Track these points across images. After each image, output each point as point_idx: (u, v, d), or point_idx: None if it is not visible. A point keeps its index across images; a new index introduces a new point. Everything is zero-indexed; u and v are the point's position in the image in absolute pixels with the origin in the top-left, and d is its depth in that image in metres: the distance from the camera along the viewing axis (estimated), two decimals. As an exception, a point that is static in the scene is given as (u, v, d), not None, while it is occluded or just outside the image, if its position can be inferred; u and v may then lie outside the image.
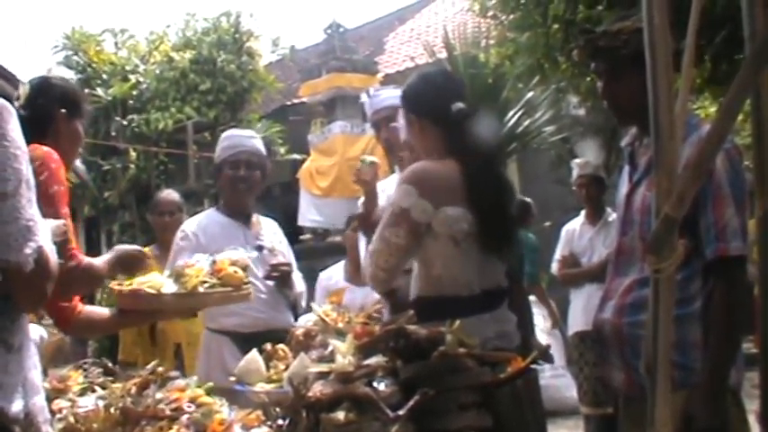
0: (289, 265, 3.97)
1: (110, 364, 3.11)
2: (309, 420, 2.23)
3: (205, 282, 2.90)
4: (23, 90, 2.84)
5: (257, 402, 2.64)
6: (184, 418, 2.49)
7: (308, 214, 11.22)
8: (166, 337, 5.04)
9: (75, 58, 13.16)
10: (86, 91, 12.33)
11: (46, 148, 2.64)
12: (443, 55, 10.04)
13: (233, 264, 3.01)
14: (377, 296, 3.16)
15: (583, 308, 5.51)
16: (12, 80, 7.74)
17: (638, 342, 2.30)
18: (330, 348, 2.50)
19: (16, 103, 2.72)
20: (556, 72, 7.03)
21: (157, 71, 12.90)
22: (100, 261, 2.87)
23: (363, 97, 4.12)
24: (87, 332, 3.45)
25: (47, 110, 2.82)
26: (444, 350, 2.22)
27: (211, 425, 2.49)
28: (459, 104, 2.74)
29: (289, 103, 14.37)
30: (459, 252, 2.64)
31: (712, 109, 9.27)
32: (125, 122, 12.51)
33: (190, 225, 4.03)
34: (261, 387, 2.71)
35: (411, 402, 2.13)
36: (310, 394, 2.24)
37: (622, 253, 2.64)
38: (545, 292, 7.37)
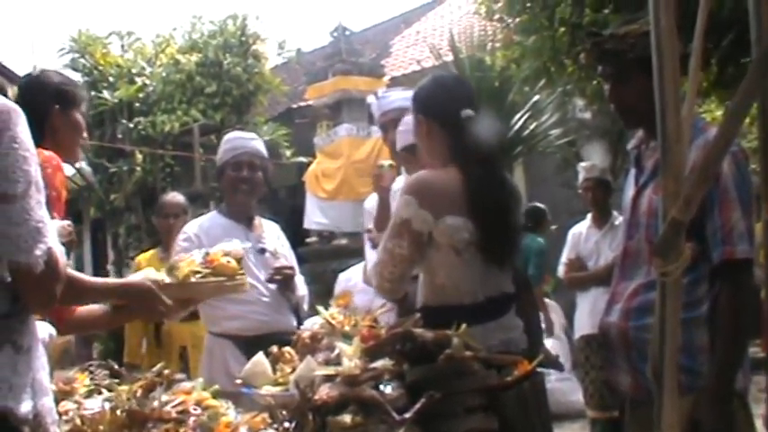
0: (291, 268, 3.97)
1: (116, 366, 3.12)
2: (316, 423, 2.23)
3: (197, 272, 2.88)
4: (12, 93, 2.78)
5: (263, 405, 2.63)
6: (191, 420, 2.49)
7: (314, 217, 11.22)
8: (171, 340, 5.06)
9: (82, 60, 13.19)
10: (93, 94, 12.40)
11: (48, 153, 2.62)
12: (449, 58, 10.05)
13: (226, 254, 2.99)
14: None
15: (589, 311, 5.50)
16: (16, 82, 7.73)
17: (644, 346, 2.30)
18: (336, 351, 2.50)
19: None
20: (562, 75, 7.04)
21: (164, 74, 12.93)
22: (94, 279, 2.82)
23: (371, 99, 4.12)
24: (81, 329, 3.41)
25: (41, 109, 2.73)
26: (451, 353, 2.23)
27: (217, 428, 2.49)
28: (469, 111, 2.74)
29: (295, 105, 14.39)
30: (462, 261, 2.65)
31: (718, 112, 9.26)
32: (131, 125, 12.54)
33: (192, 227, 4.04)
34: (267, 390, 2.71)
35: (417, 405, 2.13)
36: (317, 397, 2.25)
37: (629, 256, 2.64)
38: (542, 296, 7.35)
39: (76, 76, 12.71)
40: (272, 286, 3.86)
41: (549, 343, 7.09)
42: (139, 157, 12.55)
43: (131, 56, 13.62)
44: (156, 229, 6.27)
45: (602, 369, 5.22)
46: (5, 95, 1.99)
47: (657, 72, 1.72)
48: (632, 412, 2.60)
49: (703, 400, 2.32)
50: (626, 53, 2.51)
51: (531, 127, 9.66)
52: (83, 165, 13.13)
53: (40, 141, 2.53)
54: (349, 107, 11.40)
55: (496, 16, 8.43)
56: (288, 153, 12.91)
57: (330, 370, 2.36)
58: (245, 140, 4.17)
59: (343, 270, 4.60)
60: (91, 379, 2.96)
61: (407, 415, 2.12)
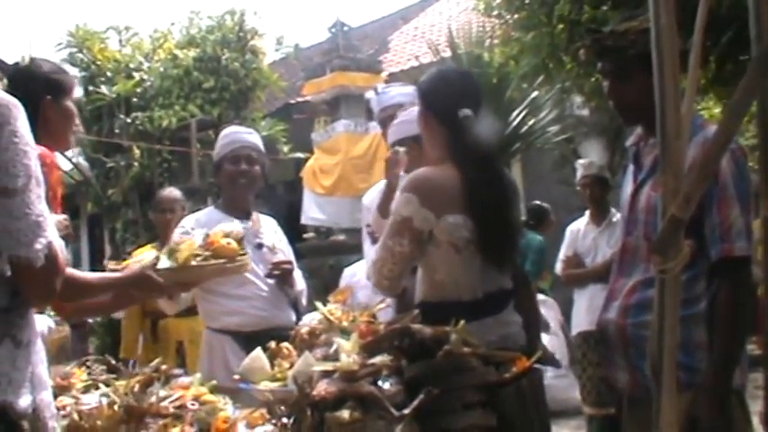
0: (290, 263, 3.97)
1: (113, 361, 3.11)
2: (314, 419, 2.23)
3: (198, 255, 2.87)
4: (2, 85, 2.71)
5: (261, 400, 2.63)
6: (188, 415, 2.50)
7: (311, 213, 11.20)
8: (168, 335, 5.05)
9: (80, 55, 13.15)
10: (90, 88, 12.38)
11: (42, 149, 2.60)
12: (448, 54, 10.03)
13: (226, 236, 2.97)
14: None
15: (586, 308, 5.51)
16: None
17: (642, 343, 2.30)
18: (335, 347, 2.50)
19: None
20: (560, 72, 7.05)
21: (161, 69, 12.89)
22: (95, 274, 2.81)
23: (370, 94, 4.11)
24: (82, 315, 3.40)
25: (32, 99, 2.57)
26: (449, 349, 2.23)
27: (215, 423, 2.49)
28: (467, 111, 2.71)
29: (292, 101, 14.35)
30: (461, 258, 2.64)
31: (717, 110, 9.29)
32: (129, 120, 12.50)
33: (189, 221, 4.03)
34: (265, 385, 2.71)
35: (416, 401, 2.13)
36: (315, 393, 2.24)
37: (627, 253, 2.64)
38: (535, 293, 7.35)
39: (74, 71, 12.68)
40: (271, 281, 3.85)
41: (545, 339, 7.09)
42: (137, 152, 12.51)
43: (129, 51, 13.57)
44: (153, 225, 6.26)
45: (599, 366, 5.24)
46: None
47: (657, 69, 1.71)
48: (630, 409, 2.60)
49: (701, 396, 2.33)
50: (626, 50, 2.51)
51: (529, 124, 9.64)
52: (80, 159, 13.11)
53: (32, 132, 2.51)
54: (347, 103, 11.38)
55: (495, 12, 8.43)
56: (285, 149, 12.88)
57: (328, 365, 2.35)
58: (242, 134, 4.16)
59: (340, 266, 4.61)
60: (88, 374, 2.96)
61: (406, 411, 2.12)
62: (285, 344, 2.88)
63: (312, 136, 11.77)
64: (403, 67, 13.75)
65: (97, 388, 2.76)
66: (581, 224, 5.95)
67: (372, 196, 3.74)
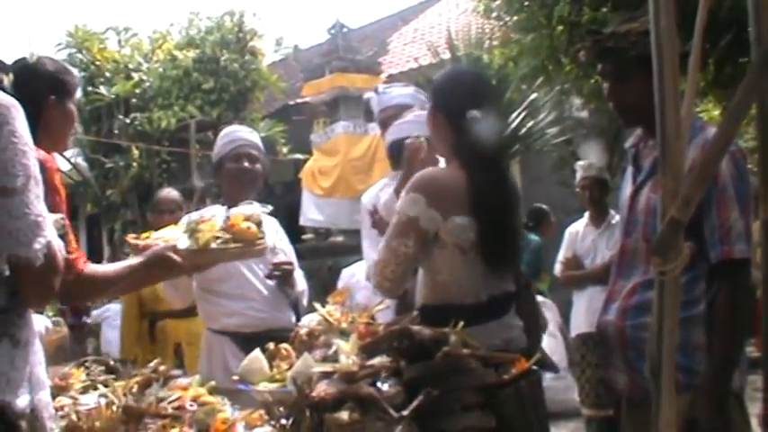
0: (290, 263, 3.95)
1: (111, 362, 3.11)
2: (313, 420, 2.22)
3: (218, 237, 2.89)
4: (8, 81, 2.67)
5: (260, 402, 2.63)
6: (187, 416, 2.49)
7: (310, 214, 11.21)
8: (166, 337, 5.04)
9: (79, 55, 13.18)
10: (89, 89, 12.38)
11: (42, 153, 2.59)
12: (447, 56, 10.04)
13: (246, 219, 2.98)
14: None
15: (585, 310, 5.51)
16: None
17: (641, 345, 2.30)
18: (334, 348, 2.49)
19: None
20: (559, 73, 7.05)
21: (160, 69, 12.91)
22: (115, 266, 2.79)
23: (370, 94, 4.10)
24: (101, 294, 3.37)
25: (35, 99, 2.57)
26: (448, 350, 2.22)
27: (214, 424, 2.48)
28: (476, 113, 2.68)
29: (292, 102, 14.36)
30: (466, 261, 2.62)
31: (716, 112, 9.29)
32: (128, 120, 12.52)
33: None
34: (264, 386, 2.70)
35: (415, 403, 2.13)
36: (314, 394, 2.24)
37: (626, 254, 2.64)
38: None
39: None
40: (271, 282, 3.85)
41: (544, 342, 7.08)
42: (136, 152, 12.53)
43: (128, 51, 13.61)
44: (151, 226, 6.26)
45: (598, 367, 5.24)
46: (3, 89, 1.98)
47: (657, 70, 1.71)
48: (629, 411, 2.60)
49: (700, 398, 2.33)
50: (627, 51, 2.51)
51: (528, 125, 9.67)
52: (79, 160, 13.13)
53: (32, 132, 2.49)
54: (346, 104, 11.39)
55: (494, 14, 8.42)
56: (284, 150, 12.90)
57: (327, 367, 2.35)
58: (243, 133, 4.16)
59: (338, 267, 4.60)
60: (87, 374, 2.96)
61: (405, 412, 2.11)
62: (284, 345, 2.87)
63: (311, 137, 11.78)
64: (402, 68, 13.77)
65: (96, 388, 2.76)
66: (580, 226, 5.95)
67: (371, 195, 3.74)
